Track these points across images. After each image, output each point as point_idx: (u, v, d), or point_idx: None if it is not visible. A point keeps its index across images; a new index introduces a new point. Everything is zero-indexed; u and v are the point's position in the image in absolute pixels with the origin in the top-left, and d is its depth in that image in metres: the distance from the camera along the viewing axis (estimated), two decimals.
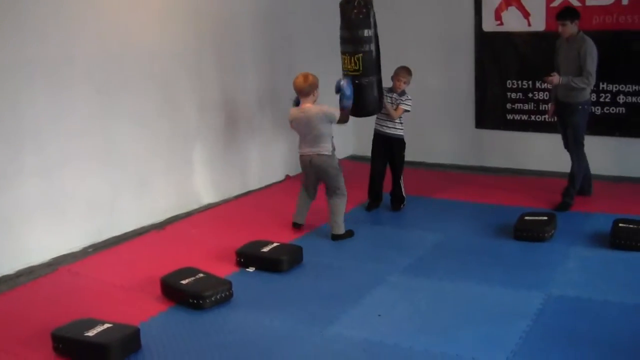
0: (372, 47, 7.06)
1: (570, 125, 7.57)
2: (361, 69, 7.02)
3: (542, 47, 8.91)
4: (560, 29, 7.47)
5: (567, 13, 7.47)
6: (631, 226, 6.51)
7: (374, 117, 7.69)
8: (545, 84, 8.18)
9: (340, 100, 6.87)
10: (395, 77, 7.56)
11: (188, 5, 7.67)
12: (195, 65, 7.82)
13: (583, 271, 6.00)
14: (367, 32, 7.00)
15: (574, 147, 7.64)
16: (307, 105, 6.85)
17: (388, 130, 7.66)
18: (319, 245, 6.79)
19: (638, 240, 6.33)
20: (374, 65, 7.10)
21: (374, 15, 7.05)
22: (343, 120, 6.93)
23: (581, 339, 4.80)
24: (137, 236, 7.16)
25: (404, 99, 7.58)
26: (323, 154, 6.88)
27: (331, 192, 7.01)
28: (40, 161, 6.37)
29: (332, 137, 6.92)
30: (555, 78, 7.36)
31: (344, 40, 7.11)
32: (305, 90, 6.82)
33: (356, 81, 7.02)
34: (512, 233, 6.78)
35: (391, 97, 7.56)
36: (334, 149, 6.95)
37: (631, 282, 5.70)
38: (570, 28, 7.40)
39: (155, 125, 7.43)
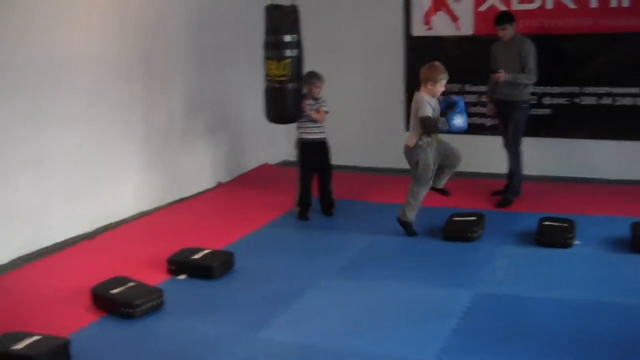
0: (298, 52, 7.08)
1: (513, 122, 7.83)
2: (288, 74, 7.02)
3: (471, 50, 9.08)
4: (500, 33, 7.79)
5: (506, 18, 7.82)
6: (555, 224, 6.70)
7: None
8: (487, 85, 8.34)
9: (448, 117, 6.79)
10: (310, 83, 7.52)
11: (115, 12, 7.59)
12: (124, 72, 7.73)
13: (510, 269, 6.11)
14: (293, 38, 7.01)
15: (513, 144, 7.90)
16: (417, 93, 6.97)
17: (315, 136, 7.66)
18: (251, 250, 6.77)
19: (562, 237, 6.50)
20: (299, 71, 7.12)
21: (300, 21, 7.06)
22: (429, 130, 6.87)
23: (509, 334, 4.88)
24: (68, 246, 7.02)
25: (321, 103, 7.61)
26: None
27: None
28: None
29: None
30: (502, 75, 7.65)
31: (269, 46, 7.10)
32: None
33: (280, 86, 7.01)
34: (441, 234, 6.87)
35: (310, 104, 7.55)
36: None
37: (556, 278, 5.84)
38: (510, 31, 7.77)
39: (85, 132, 7.31)
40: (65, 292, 5.86)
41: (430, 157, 6.90)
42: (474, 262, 6.28)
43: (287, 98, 7.12)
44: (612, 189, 8.46)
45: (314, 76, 7.56)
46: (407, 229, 7.01)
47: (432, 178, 7.02)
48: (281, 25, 6.98)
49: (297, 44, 7.08)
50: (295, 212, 7.73)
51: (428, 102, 6.80)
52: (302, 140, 7.71)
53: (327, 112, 7.62)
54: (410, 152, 7.00)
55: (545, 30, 8.74)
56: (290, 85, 7.09)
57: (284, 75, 7.06)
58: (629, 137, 8.71)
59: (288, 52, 7.02)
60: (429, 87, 6.84)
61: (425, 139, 6.87)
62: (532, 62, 7.70)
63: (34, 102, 6.77)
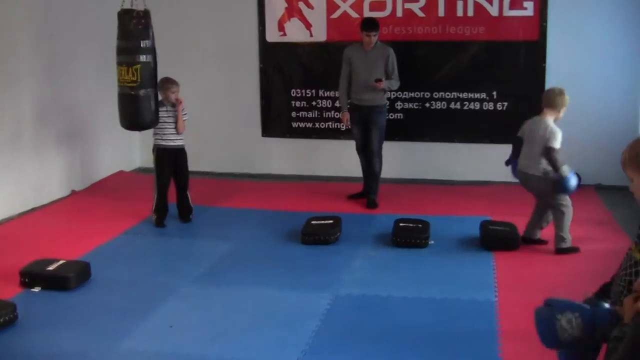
0: (150, 58, 6.98)
1: (378, 126, 8.04)
2: (139, 80, 6.90)
3: (324, 57, 9.25)
4: (371, 39, 7.95)
5: (376, 25, 7.98)
6: (410, 225, 6.92)
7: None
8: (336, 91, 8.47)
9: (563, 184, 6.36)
10: (166, 90, 7.44)
11: None
12: None
13: (368, 270, 6.26)
14: (145, 43, 6.90)
15: (379, 147, 8.11)
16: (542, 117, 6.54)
17: (172, 143, 7.58)
18: (108, 260, 6.61)
19: (416, 237, 6.72)
20: (152, 77, 7.02)
21: (152, 26, 6.97)
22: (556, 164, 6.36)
23: (368, 333, 5.01)
24: None
25: (181, 110, 7.55)
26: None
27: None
28: None
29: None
30: (383, 83, 7.87)
31: (121, 51, 6.94)
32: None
33: (132, 92, 6.90)
34: (299, 238, 6.94)
35: (167, 110, 7.47)
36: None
37: (411, 277, 6.04)
38: (377, 38, 7.95)
39: None
40: None
41: None
42: (333, 264, 6.38)
43: (140, 104, 6.97)
44: (463, 189, 8.82)
45: (168, 81, 7.47)
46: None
47: None
48: (132, 30, 6.87)
49: (149, 50, 6.97)
50: (152, 220, 7.61)
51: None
52: (159, 146, 7.60)
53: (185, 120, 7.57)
54: (539, 181, 6.54)
55: (396, 37, 8.98)
56: (142, 92, 6.97)
57: (134, 81, 6.94)
58: (477, 140, 9.10)
59: (139, 58, 6.90)
60: (559, 114, 6.51)
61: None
62: (397, 68, 8.01)
63: None
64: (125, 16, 6.87)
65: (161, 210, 7.60)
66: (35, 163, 8.35)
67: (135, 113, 7.00)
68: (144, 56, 6.90)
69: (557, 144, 6.33)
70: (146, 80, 6.92)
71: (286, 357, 4.69)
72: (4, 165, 7.87)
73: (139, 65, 6.86)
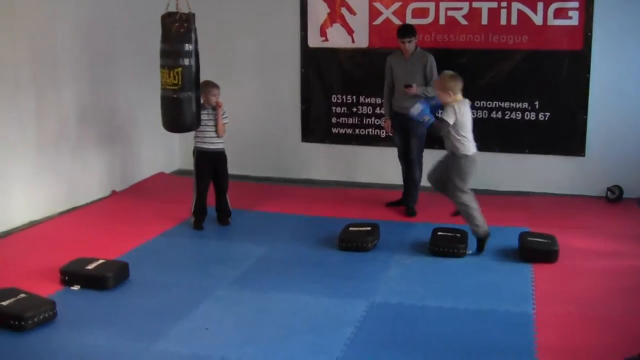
0: (192, 61, 7.02)
1: (417, 135, 7.97)
2: (181, 83, 6.95)
3: (365, 63, 9.24)
4: (406, 46, 7.93)
5: (411, 31, 7.96)
6: (448, 234, 6.89)
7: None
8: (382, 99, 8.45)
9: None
10: (207, 93, 7.46)
11: (2, 16, 7.37)
12: (12, 78, 7.51)
13: (404, 278, 6.22)
14: (187, 47, 6.94)
15: (418, 155, 8.06)
16: None
17: (212, 146, 7.61)
18: (147, 260, 6.67)
19: (454, 246, 6.68)
20: (194, 80, 7.06)
21: (195, 30, 7.01)
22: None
23: (403, 343, 4.97)
24: None
25: (222, 114, 7.59)
26: None
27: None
28: None
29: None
30: (414, 89, 7.79)
31: (163, 54, 7.00)
32: None
33: (174, 95, 6.96)
34: (336, 244, 6.93)
35: (207, 113, 7.51)
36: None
37: (448, 287, 5.99)
38: (414, 44, 7.94)
39: None
40: None
41: None
42: (369, 272, 6.36)
43: (181, 107, 7.03)
44: (502, 200, 8.71)
45: (209, 85, 7.51)
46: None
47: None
48: (175, 33, 6.91)
49: (191, 54, 7.01)
50: (191, 222, 7.65)
51: None
52: (199, 149, 7.65)
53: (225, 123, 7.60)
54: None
55: (438, 45, 8.93)
56: (183, 95, 7.02)
57: (175, 84, 7.00)
58: (517, 150, 9.02)
59: (181, 61, 6.95)
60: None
61: None
62: (436, 75, 7.82)
63: None
64: (169, 19, 6.92)
65: (200, 213, 7.64)
66: (76, 163, 8.45)
67: (177, 115, 7.05)
68: (186, 59, 6.95)
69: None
70: (188, 83, 6.97)
71: None
72: (47, 165, 7.97)
73: (180, 69, 6.91)
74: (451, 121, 6.66)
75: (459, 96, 6.78)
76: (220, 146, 7.65)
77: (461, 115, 6.70)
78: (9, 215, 7.54)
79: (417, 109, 6.75)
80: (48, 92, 7.97)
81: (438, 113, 7.05)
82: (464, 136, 6.75)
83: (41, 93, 7.86)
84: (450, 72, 6.90)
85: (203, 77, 7.24)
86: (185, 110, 7.05)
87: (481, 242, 6.80)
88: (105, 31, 8.80)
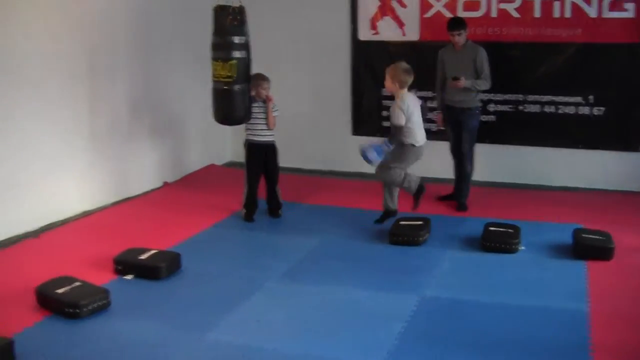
0: (245, 54, 7.06)
1: (468, 129, 7.91)
2: (234, 75, 6.99)
3: (416, 56, 9.13)
4: (456, 38, 7.85)
5: (461, 24, 7.89)
6: (500, 229, 6.79)
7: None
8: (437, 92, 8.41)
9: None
10: (257, 86, 7.46)
11: (58, 7, 7.45)
12: (70, 69, 7.61)
13: (455, 273, 6.17)
14: (240, 39, 6.98)
15: (470, 149, 7.98)
16: None
17: (262, 138, 7.64)
18: (199, 251, 6.72)
19: (506, 242, 6.59)
20: (246, 73, 7.10)
21: (247, 22, 7.04)
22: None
23: (454, 338, 4.94)
24: (12, 244, 6.89)
25: (271, 107, 7.60)
26: None
27: None
28: None
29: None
30: (462, 82, 7.70)
31: (216, 47, 7.06)
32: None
33: (226, 87, 7.02)
34: (387, 237, 6.90)
35: (258, 105, 7.52)
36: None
37: (500, 283, 5.92)
38: (464, 37, 7.85)
39: (28, 129, 7.17)
40: (8, 292, 5.76)
41: None
42: (420, 266, 6.32)
43: (234, 99, 7.10)
44: (555, 195, 8.61)
45: (259, 77, 7.52)
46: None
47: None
48: (228, 26, 6.95)
49: (244, 45, 7.05)
50: (242, 214, 7.69)
51: None
52: (250, 141, 7.68)
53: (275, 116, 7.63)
54: None
55: (490, 38, 8.84)
56: (236, 87, 7.07)
57: (229, 77, 7.04)
58: (570, 145, 8.89)
59: (234, 54, 6.99)
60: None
61: None
62: (487, 68, 7.79)
63: None
64: (221, 12, 6.97)
65: (251, 205, 7.67)
66: (129, 155, 8.55)
67: (228, 108, 7.12)
68: (239, 52, 7.00)
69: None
70: (240, 76, 7.02)
71: (371, 357, 4.67)
72: (99, 156, 8.09)
73: (234, 61, 6.95)
74: (402, 122, 6.96)
75: (404, 90, 7.04)
76: (270, 138, 7.68)
77: (407, 108, 6.98)
78: (64, 205, 7.67)
79: (367, 151, 6.99)
80: (102, 84, 8.07)
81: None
82: (410, 127, 7.03)
83: (95, 85, 7.98)
84: (405, 65, 7.13)
85: (254, 70, 7.29)
86: (237, 102, 7.12)
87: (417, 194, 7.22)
88: (157, 23, 8.89)
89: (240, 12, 6.98)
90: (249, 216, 7.66)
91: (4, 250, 6.75)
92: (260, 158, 7.67)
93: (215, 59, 7.09)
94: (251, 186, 7.67)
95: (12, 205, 7.06)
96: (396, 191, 7.31)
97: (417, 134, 7.07)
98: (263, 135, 7.63)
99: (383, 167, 7.19)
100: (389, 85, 7.07)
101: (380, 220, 7.37)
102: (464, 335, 4.99)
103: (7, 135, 6.97)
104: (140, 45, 8.63)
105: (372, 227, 7.31)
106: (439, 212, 7.86)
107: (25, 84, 7.12)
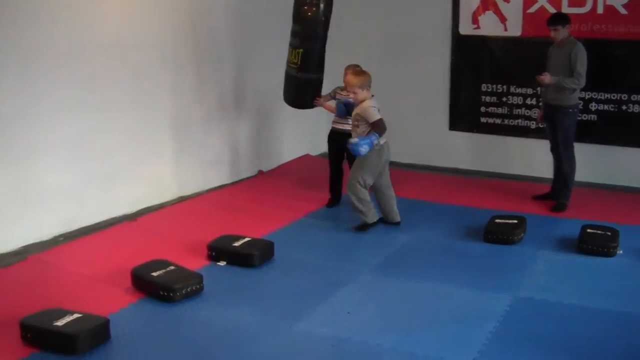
0: (316, 45, 7.13)
1: (561, 128, 7.70)
2: (299, 63, 7.17)
3: (518, 52, 9.03)
4: (552, 34, 7.64)
5: (558, 19, 7.67)
6: (598, 232, 6.62)
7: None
8: (538, 88, 8.27)
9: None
10: (344, 75, 7.39)
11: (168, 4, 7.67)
12: (169, 58, 7.80)
13: (550, 275, 6.06)
14: (313, 29, 7.06)
15: (564, 149, 7.76)
16: None
17: (342, 127, 7.64)
18: (291, 241, 6.80)
19: (604, 245, 6.42)
20: (315, 62, 7.17)
21: (328, 12, 7.05)
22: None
23: (546, 341, 4.86)
24: (109, 227, 7.12)
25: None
26: None
27: None
28: (6, 150, 6.31)
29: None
30: (547, 77, 7.52)
31: (292, 33, 7.37)
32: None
33: (291, 73, 7.43)
34: (482, 235, 6.83)
35: (347, 95, 7.42)
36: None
37: (596, 287, 5.78)
38: (562, 33, 7.59)
39: (127, 116, 7.39)
40: (105, 272, 5.95)
41: None
42: (514, 265, 6.24)
43: (296, 85, 7.48)
44: None
45: (347, 68, 7.47)
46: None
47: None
48: (303, 15, 7.16)
49: (316, 36, 7.26)
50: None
51: None
52: (332, 129, 7.79)
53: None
54: None
55: (595, 35, 8.62)
56: (299, 74, 7.26)
57: (295, 64, 7.32)
58: None
59: (303, 42, 7.29)
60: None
61: None
62: (580, 66, 7.45)
63: (76, 85, 6.85)
64: (300, 1, 7.10)
65: (331, 191, 7.82)
66: (225, 142, 8.71)
67: (292, 92, 7.52)
68: (309, 42, 7.09)
69: None
70: (306, 64, 7.13)
71: (462, 355, 4.64)
72: (195, 143, 8.27)
73: (301, 50, 7.09)
74: (380, 115, 6.87)
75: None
76: (348, 128, 7.65)
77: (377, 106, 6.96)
78: (161, 191, 7.87)
79: (359, 145, 6.75)
80: (202, 72, 8.23)
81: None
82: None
83: (196, 73, 8.14)
84: (360, 67, 7.16)
85: (355, 62, 7.30)
86: (299, 88, 7.50)
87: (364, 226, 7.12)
88: (257, 12, 8.98)
89: (318, 2, 7.05)
90: (329, 202, 7.79)
91: (102, 231, 6.98)
92: (338, 145, 7.66)
93: (290, 44, 7.47)
94: (330, 173, 7.80)
95: (111, 189, 7.28)
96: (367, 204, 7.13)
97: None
98: (342, 124, 7.64)
99: (349, 181, 7.10)
100: (358, 92, 6.85)
101: (360, 228, 7.17)
102: (557, 338, 4.91)
103: (107, 122, 7.20)
104: (240, 33, 8.75)
105: (466, 223, 7.24)
106: (534, 211, 7.71)
107: (123, 75, 7.33)
